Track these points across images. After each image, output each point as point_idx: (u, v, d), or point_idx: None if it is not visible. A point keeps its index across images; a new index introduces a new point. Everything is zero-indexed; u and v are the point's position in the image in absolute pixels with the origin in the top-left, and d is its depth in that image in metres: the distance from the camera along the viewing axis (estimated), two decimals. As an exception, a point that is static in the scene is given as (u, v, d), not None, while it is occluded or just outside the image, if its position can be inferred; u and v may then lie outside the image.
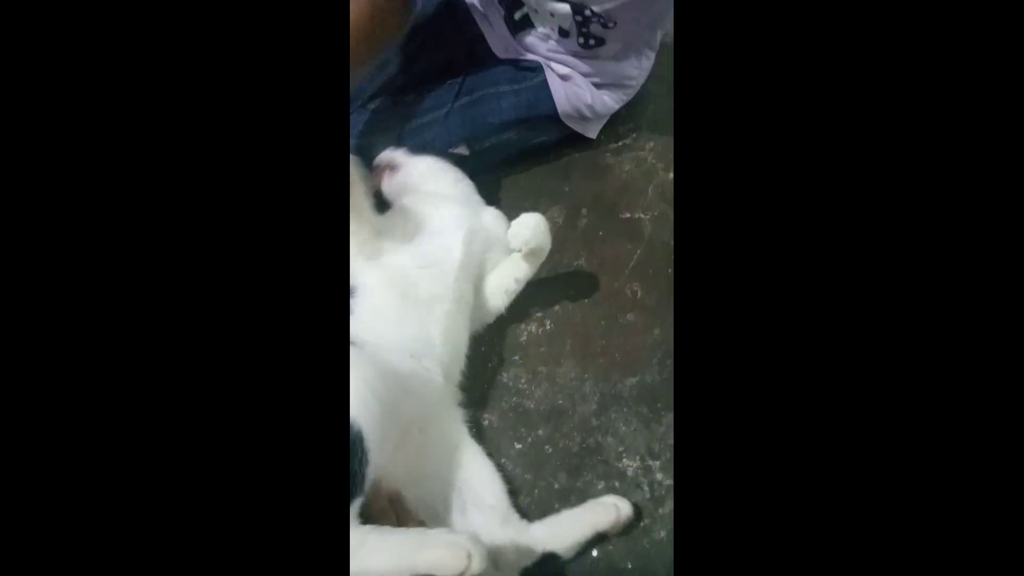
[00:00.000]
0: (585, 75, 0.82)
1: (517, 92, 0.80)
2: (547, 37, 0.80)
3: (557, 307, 0.74)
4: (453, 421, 0.59)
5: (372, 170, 0.71)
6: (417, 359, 0.57)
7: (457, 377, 0.62)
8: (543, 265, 0.78)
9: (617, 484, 0.59)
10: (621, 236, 0.80)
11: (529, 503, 0.59)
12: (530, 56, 0.81)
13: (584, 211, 0.85)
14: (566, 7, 0.76)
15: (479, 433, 0.64)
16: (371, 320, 0.57)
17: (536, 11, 0.77)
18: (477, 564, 0.38)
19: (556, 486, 0.59)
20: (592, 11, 0.75)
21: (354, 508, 0.41)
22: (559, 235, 0.83)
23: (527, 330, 0.73)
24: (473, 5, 0.84)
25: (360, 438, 0.44)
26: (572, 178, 0.90)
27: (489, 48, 0.84)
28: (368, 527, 0.41)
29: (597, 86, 0.83)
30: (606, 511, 0.54)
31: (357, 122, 0.77)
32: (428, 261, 0.64)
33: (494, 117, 0.79)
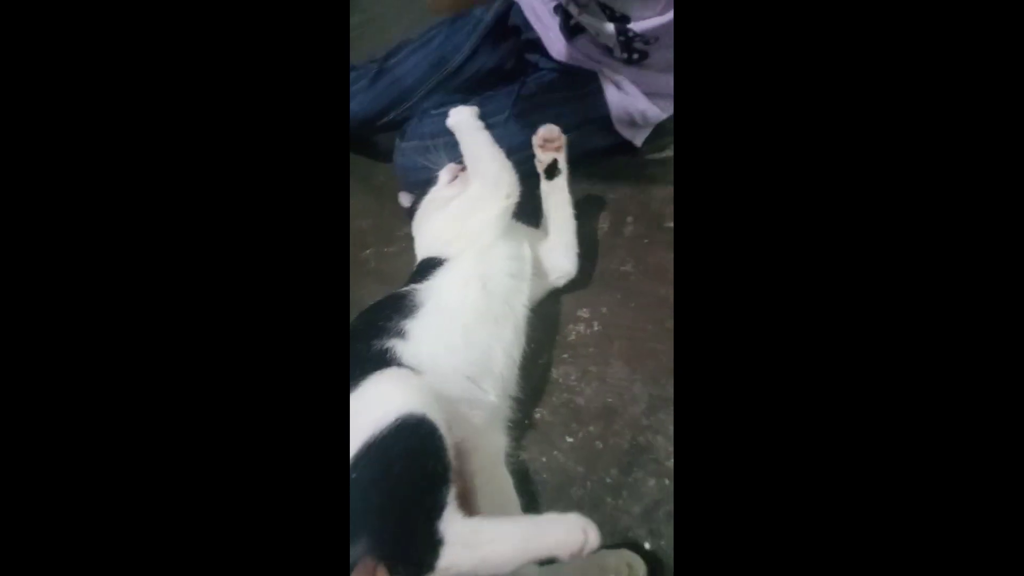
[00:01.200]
0: (634, 82, 0.85)
1: (573, 99, 0.83)
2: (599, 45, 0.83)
3: (604, 309, 0.77)
4: (496, 448, 0.59)
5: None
6: (474, 381, 0.58)
7: (512, 391, 0.63)
8: (589, 267, 0.81)
9: (667, 482, 0.61)
10: (666, 245, 0.83)
11: (582, 495, 0.61)
12: (584, 61, 0.85)
13: (629, 219, 0.88)
14: (610, 27, 0.79)
15: (531, 427, 0.66)
16: (432, 345, 0.57)
17: (586, 25, 0.81)
18: (593, 538, 0.41)
19: (608, 480, 0.62)
20: (633, 32, 0.78)
21: (451, 496, 0.43)
22: (605, 241, 0.86)
23: (575, 330, 0.76)
24: (531, 9, 0.87)
25: (432, 427, 0.45)
26: (617, 187, 0.93)
27: (541, 54, 0.88)
28: (477, 518, 0.43)
29: (647, 95, 0.87)
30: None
31: (419, 125, 0.81)
32: (513, 270, 0.68)
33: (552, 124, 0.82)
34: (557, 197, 0.77)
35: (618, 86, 0.85)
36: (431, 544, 0.40)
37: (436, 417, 0.46)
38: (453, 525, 0.41)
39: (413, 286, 0.64)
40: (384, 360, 0.54)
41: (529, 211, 0.79)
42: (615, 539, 0.58)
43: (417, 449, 0.44)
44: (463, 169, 0.79)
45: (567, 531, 0.41)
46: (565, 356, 0.73)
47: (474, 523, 0.42)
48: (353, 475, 0.43)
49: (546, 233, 0.78)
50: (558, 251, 0.76)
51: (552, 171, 0.76)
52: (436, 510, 0.42)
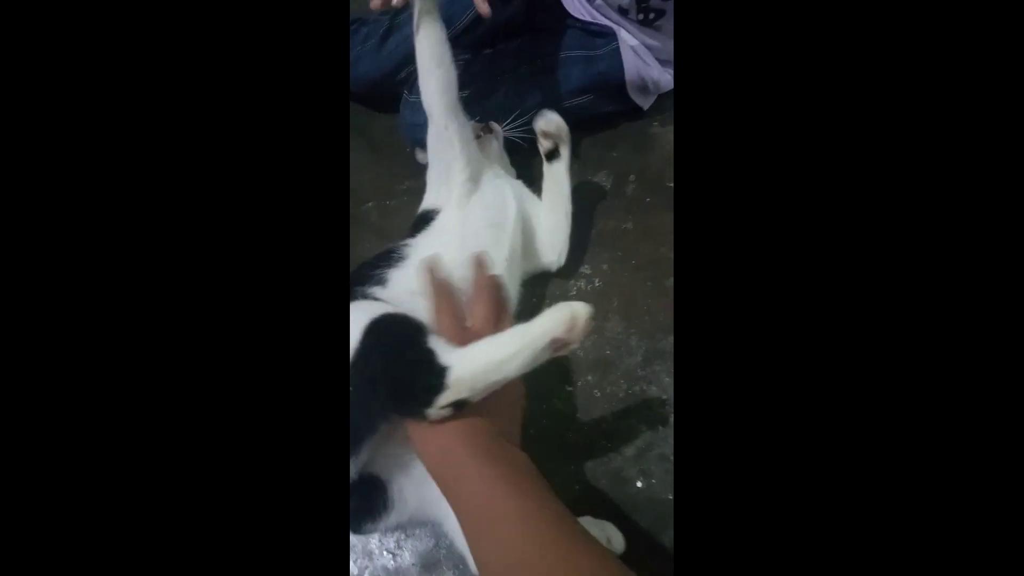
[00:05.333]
0: (650, 48, 0.88)
1: (588, 59, 0.86)
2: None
3: (605, 266, 0.82)
4: None
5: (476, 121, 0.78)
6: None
7: None
8: (592, 226, 0.85)
9: (660, 428, 0.67)
10: (667, 205, 0.87)
11: (577, 439, 0.67)
12: (602, 20, 0.87)
13: (632, 178, 0.92)
14: None
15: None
16: (405, 294, 0.59)
17: None
18: (581, 309, 0.45)
19: (603, 426, 0.68)
20: None
21: (440, 340, 0.47)
22: (607, 200, 0.90)
23: (576, 286, 0.80)
24: None
25: (391, 310, 0.50)
26: (619, 146, 0.97)
27: (556, 12, 0.90)
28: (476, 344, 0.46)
29: (661, 62, 0.89)
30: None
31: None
32: (493, 219, 0.70)
33: (564, 84, 0.84)
34: (555, 181, 0.79)
35: (634, 51, 0.87)
36: (436, 371, 0.44)
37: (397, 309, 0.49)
38: (451, 353, 0.45)
39: (407, 241, 0.68)
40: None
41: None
42: (609, 479, 0.64)
43: (388, 328, 0.48)
44: (484, 128, 0.81)
45: (556, 311, 0.45)
46: (565, 310, 0.78)
47: (471, 345, 0.46)
48: (352, 389, 0.46)
49: (541, 209, 0.79)
50: (549, 234, 0.78)
51: (552, 155, 0.79)
52: (430, 352, 0.45)
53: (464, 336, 0.49)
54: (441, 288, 0.57)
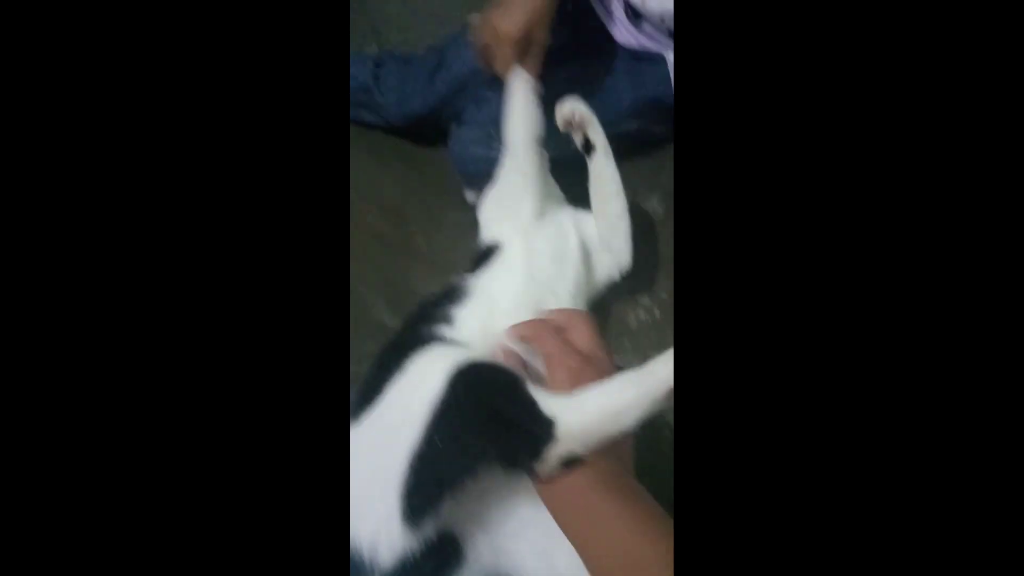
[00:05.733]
0: (697, 70, 0.88)
1: (637, 85, 0.86)
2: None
3: (664, 295, 0.82)
4: None
5: None
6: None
7: None
8: (647, 252, 0.85)
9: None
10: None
11: (652, 475, 0.67)
12: (650, 45, 0.87)
13: (683, 203, 0.92)
14: (670, 5, 0.81)
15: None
16: (474, 331, 0.58)
17: (649, 11, 0.83)
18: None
19: (676, 462, 0.67)
20: None
21: (537, 389, 0.44)
22: (661, 225, 0.90)
23: (635, 316, 0.80)
24: None
25: (476, 359, 0.47)
26: (667, 168, 0.97)
27: (603, 40, 0.90)
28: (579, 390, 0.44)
29: None
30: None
31: (477, 111, 0.84)
32: (556, 252, 0.70)
33: (614, 109, 0.84)
34: (597, 174, 0.75)
35: None
36: (542, 423, 0.41)
37: (480, 356, 0.48)
38: (555, 402, 0.43)
39: (467, 275, 0.68)
40: (429, 342, 0.55)
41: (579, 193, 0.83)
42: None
43: (480, 376, 0.46)
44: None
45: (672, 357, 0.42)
46: (626, 343, 0.78)
47: (577, 394, 0.43)
48: (437, 442, 0.44)
49: (595, 219, 0.76)
50: (606, 239, 0.74)
51: (588, 148, 0.75)
52: (532, 402, 0.43)
53: (582, 362, 0.46)
54: (540, 331, 0.53)
